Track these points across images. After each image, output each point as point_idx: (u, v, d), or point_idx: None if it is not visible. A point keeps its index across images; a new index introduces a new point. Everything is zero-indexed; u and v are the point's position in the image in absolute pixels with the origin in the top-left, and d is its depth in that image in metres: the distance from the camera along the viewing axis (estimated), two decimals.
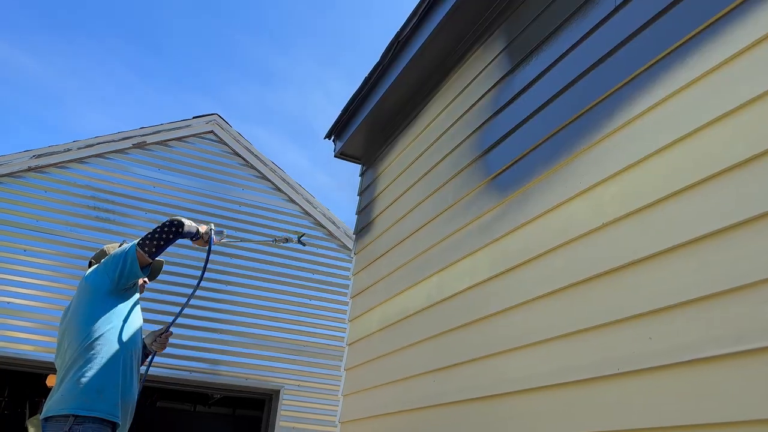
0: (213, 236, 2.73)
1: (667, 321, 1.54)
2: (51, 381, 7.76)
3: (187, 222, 2.59)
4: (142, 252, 2.46)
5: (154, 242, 2.48)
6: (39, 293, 6.25)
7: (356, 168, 4.25)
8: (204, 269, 2.81)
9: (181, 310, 2.74)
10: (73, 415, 2.22)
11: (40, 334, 6.16)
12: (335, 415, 3.58)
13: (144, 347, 2.82)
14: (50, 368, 6.24)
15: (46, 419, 2.26)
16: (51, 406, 2.28)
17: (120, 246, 2.70)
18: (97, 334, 2.37)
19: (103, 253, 2.71)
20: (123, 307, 2.49)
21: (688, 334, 1.46)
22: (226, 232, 2.84)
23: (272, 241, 3.03)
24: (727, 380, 1.34)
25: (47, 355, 6.09)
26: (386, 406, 2.89)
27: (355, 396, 3.30)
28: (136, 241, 2.50)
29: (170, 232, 2.51)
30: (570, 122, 2.06)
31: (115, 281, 2.45)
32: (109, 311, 2.43)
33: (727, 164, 1.47)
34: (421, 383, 2.62)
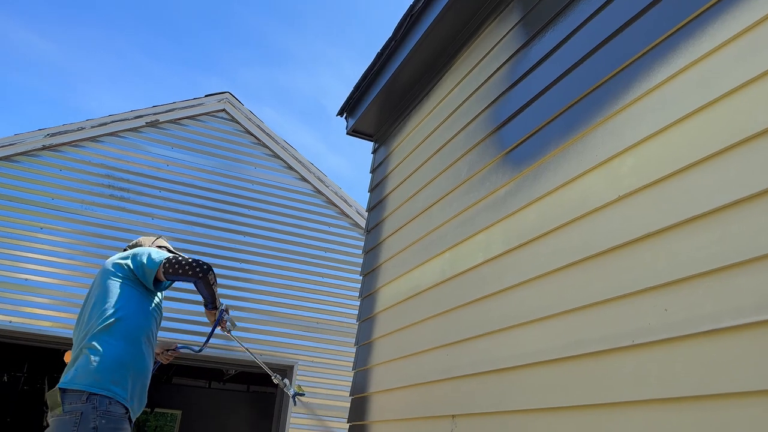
0: (224, 316, 2.73)
1: (684, 293, 1.53)
2: (68, 357, 7.91)
3: (214, 281, 2.60)
4: (163, 269, 2.49)
5: (179, 269, 2.50)
6: (56, 270, 6.34)
7: (369, 148, 4.24)
8: (209, 337, 2.82)
9: (198, 348, 2.83)
10: (87, 392, 2.22)
11: (57, 310, 6.26)
12: (347, 390, 3.61)
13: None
14: (68, 344, 6.35)
15: (63, 390, 2.26)
16: (66, 379, 2.29)
17: (154, 242, 2.79)
18: (115, 317, 2.39)
19: (137, 245, 2.77)
20: (143, 297, 2.52)
21: (707, 305, 1.46)
22: (236, 325, 2.87)
23: (273, 376, 3.10)
24: (747, 350, 1.34)
25: (65, 331, 6.20)
26: (399, 380, 2.92)
27: (367, 370, 3.33)
28: (166, 256, 2.53)
29: (197, 271, 2.52)
30: (586, 95, 2.04)
31: (135, 277, 2.53)
32: (129, 298, 2.47)
33: (747, 133, 1.45)
34: (434, 357, 2.64)
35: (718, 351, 1.41)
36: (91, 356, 2.28)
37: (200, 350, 2.85)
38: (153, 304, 2.56)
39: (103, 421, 2.19)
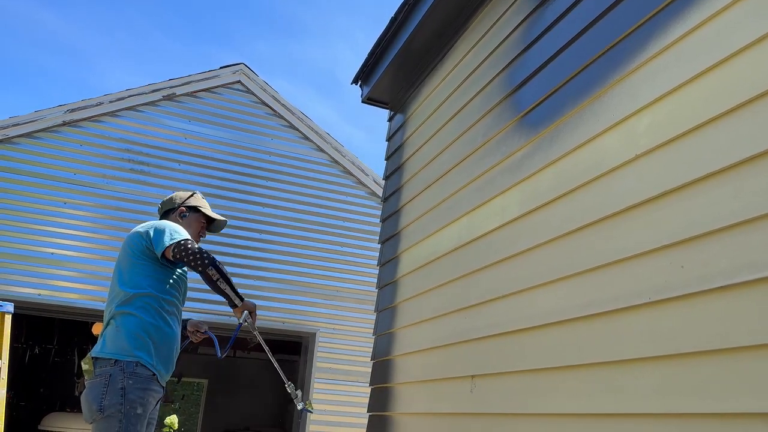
0: (247, 320, 2.64)
1: (700, 249, 1.54)
2: (96, 329, 8.12)
3: (218, 277, 2.49)
4: (171, 252, 2.49)
5: (184, 256, 2.48)
6: (81, 244, 6.48)
7: (384, 117, 4.23)
8: (230, 344, 2.79)
9: (226, 345, 2.80)
10: (114, 359, 2.36)
11: (84, 282, 6.41)
12: (367, 355, 3.69)
13: (184, 327, 2.92)
14: (95, 316, 6.53)
15: (95, 359, 2.42)
16: (97, 349, 2.44)
17: (187, 200, 2.80)
18: (133, 292, 2.46)
19: (170, 201, 2.82)
20: (162, 270, 2.55)
21: (723, 261, 1.46)
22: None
23: (287, 384, 3.08)
24: (763, 303, 1.35)
25: (92, 303, 6.36)
26: (420, 343, 2.97)
27: (389, 335, 3.39)
28: (176, 240, 2.49)
29: (198, 263, 2.46)
30: (601, 54, 2.02)
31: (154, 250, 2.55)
32: (147, 272, 2.51)
33: (764, 87, 1.43)
34: (453, 320, 2.68)
35: (734, 305, 1.42)
36: (116, 327, 2.42)
37: (221, 356, 2.84)
38: (174, 275, 2.60)
39: (130, 381, 2.33)
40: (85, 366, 2.42)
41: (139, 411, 2.34)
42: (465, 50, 3.04)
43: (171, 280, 2.57)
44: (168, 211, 2.80)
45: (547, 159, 2.21)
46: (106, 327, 2.48)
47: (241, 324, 2.66)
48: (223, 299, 2.60)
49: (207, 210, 2.86)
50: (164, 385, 2.53)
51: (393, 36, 3.54)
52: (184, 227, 2.68)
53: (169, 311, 2.54)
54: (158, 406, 2.57)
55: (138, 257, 2.52)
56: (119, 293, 2.49)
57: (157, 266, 2.53)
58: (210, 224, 2.91)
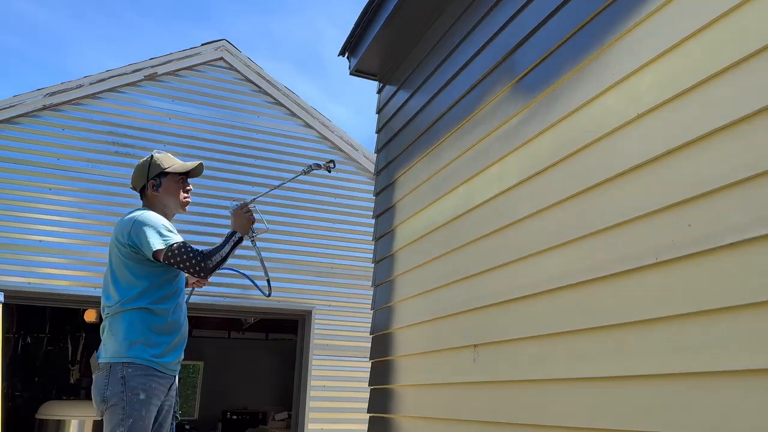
0: (252, 232, 2.61)
1: (707, 207, 1.51)
2: (89, 316, 8.06)
3: (219, 261, 2.45)
4: (163, 257, 2.40)
5: (179, 262, 2.40)
6: (68, 230, 6.37)
7: (370, 92, 4.15)
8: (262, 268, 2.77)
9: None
10: (108, 363, 2.38)
11: (74, 269, 6.32)
12: (367, 330, 3.67)
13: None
14: (86, 302, 6.47)
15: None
16: (99, 355, 2.47)
17: (149, 175, 2.60)
18: (122, 307, 2.42)
19: (137, 178, 2.64)
20: (151, 270, 2.46)
21: (731, 218, 1.44)
22: (234, 204, 2.70)
23: (303, 172, 2.96)
24: None
25: (83, 289, 6.28)
26: (420, 315, 2.95)
27: (387, 308, 3.37)
28: (163, 246, 2.38)
29: (196, 270, 2.41)
30: (599, 12, 1.96)
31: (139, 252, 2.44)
32: (135, 279, 2.44)
33: None
34: (454, 290, 2.66)
35: (746, 262, 1.40)
36: (111, 332, 2.43)
37: (269, 294, 2.80)
38: (166, 273, 2.49)
39: (129, 369, 2.34)
40: (92, 364, 2.50)
41: (142, 396, 2.33)
42: (456, 14, 2.96)
43: (162, 278, 2.48)
44: (143, 189, 2.64)
45: (545, 123, 2.17)
46: (103, 332, 2.49)
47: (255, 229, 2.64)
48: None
49: (175, 166, 2.66)
50: (174, 372, 2.51)
51: (380, 3, 3.45)
52: (164, 197, 2.59)
53: (167, 297, 2.48)
54: (173, 392, 2.55)
55: (126, 257, 2.45)
56: (113, 294, 2.45)
57: (144, 267, 2.45)
58: (187, 176, 2.73)
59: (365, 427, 3.44)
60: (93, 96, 6.70)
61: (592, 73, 1.97)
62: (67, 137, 6.56)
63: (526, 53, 2.35)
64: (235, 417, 11.74)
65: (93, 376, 2.47)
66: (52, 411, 7.40)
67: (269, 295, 2.82)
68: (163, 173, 2.62)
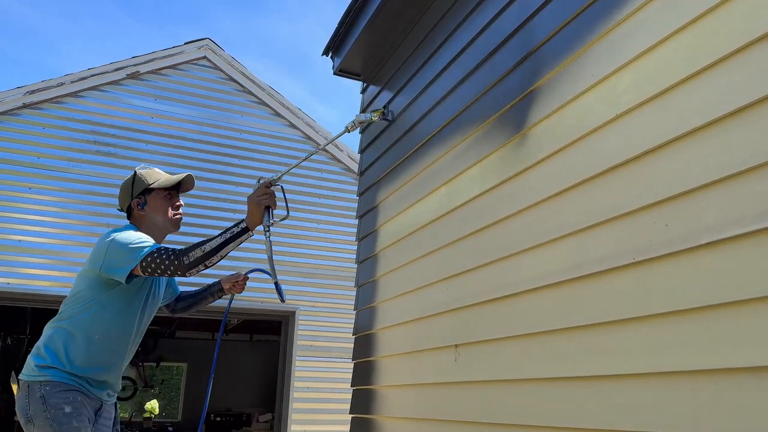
0: (269, 219, 2.28)
1: (684, 206, 1.52)
2: None
3: (219, 242, 2.21)
4: (140, 269, 2.21)
5: (156, 268, 2.20)
6: (49, 230, 6.30)
7: (355, 92, 4.14)
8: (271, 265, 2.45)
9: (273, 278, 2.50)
10: (26, 382, 2.23)
11: (54, 269, 6.25)
12: (350, 331, 3.66)
13: (220, 290, 2.78)
14: None
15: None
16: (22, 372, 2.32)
17: (133, 193, 2.44)
18: (76, 312, 2.29)
19: (123, 198, 2.50)
20: (113, 308, 2.31)
21: (709, 217, 1.45)
22: (262, 181, 2.39)
23: (349, 127, 2.53)
24: (751, 258, 1.33)
25: (64, 290, 6.20)
26: (402, 315, 2.94)
27: (370, 309, 3.36)
28: (136, 260, 2.18)
29: (175, 267, 2.18)
30: (579, 13, 1.97)
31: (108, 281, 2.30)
32: (88, 316, 2.29)
33: (748, 38, 1.40)
34: (436, 290, 2.65)
35: (722, 261, 1.40)
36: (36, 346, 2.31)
37: (284, 300, 2.58)
38: (131, 311, 2.34)
39: (47, 387, 2.18)
40: (12, 383, 2.39)
41: (68, 410, 2.15)
42: (438, 15, 2.97)
43: (120, 303, 2.32)
44: (129, 207, 2.49)
45: (526, 123, 2.17)
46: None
47: (268, 220, 2.29)
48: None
49: (161, 181, 2.48)
50: (104, 391, 2.31)
51: (364, 2, 3.44)
52: (151, 216, 2.44)
53: (109, 329, 2.30)
54: (106, 421, 2.35)
55: (93, 278, 2.29)
56: (66, 307, 2.34)
57: (108, 289, 2.28)
58: (177, 190, 2.55)
59: (348, 428, 3.43)
60: (74, 94, 6.63)
61: (571, 73, 1.98)
62: (48, 136, 6.49)
63: (507, 54, 2.35)
64: (218, 419, 11.67)
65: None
66: None
67: (284, 301, 2.60)
68: (148, 190, 2.44)
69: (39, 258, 6.22)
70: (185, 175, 2.54)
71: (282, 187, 2.40)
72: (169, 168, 6.95)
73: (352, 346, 3.55)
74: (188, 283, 5.37)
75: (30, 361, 2.28)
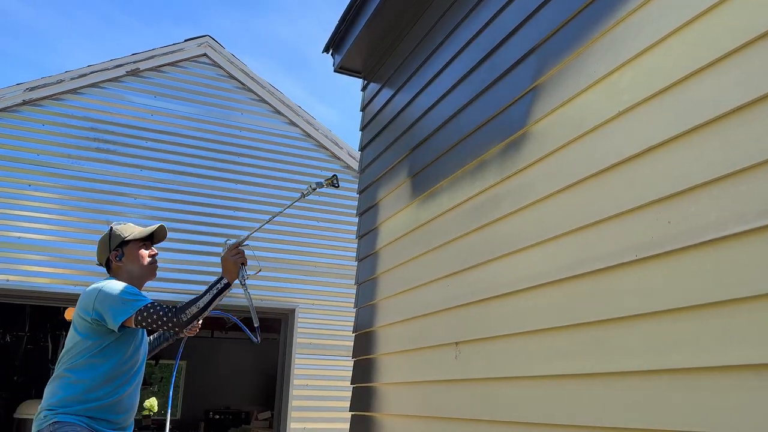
0: (243, 273, 2.51)
1: (686, 203, 1.52)
2: (69, 314, 7.95)
3: (206, 298, 2.39)
4: (135, 322, 2.34)
5: (152, 323, 2.33)
6: (48, 227, 6.29)
7: (354, 91, 4.13)
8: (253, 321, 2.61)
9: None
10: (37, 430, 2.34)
11: (53, 266, 6.24)
12: (350, 329, 3.66)
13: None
14: (67, 300, 6.38)
15: None
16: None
17: (110, 248, 2.56)
18: (73, 362, 2.37)
19: (101, 255, 2.60)
20: (109, 357, 2.40)
21: (710, 214, 1.45)
22: (230, 242, 2.60)
23: (301, 196, 2.86)
24: (753, 254, 1.33)
25: (63, 287, 6.21)
26: (403, 313, 2.94)
27: (370, 306, 3.36)
28: (131, 312, 2.31)
29: (170, 326, 2.35)
30: (581, 10, 1.97)
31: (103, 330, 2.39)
32: (86, 368, 2.37)
33: (749, 36, 1.40)
34: (437, 288, 2.65)
35: (724, 258, 1.40)
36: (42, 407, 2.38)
37: (258, 341, 2.76)
38: (123, 358, 2.43)
39: (56, 424, 2.29)
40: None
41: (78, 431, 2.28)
42: (440, 12, 2.96)
43: (114, 367, 2.41)
44: (108, 262, 2.61)
45: (527, 121, 2.17)
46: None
47: (243, 275, 2.54)
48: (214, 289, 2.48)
49: (136, 233, 2.62)
50: (114, 423, 2.40)
51: None
52: (128, 266, 2.56)
53: (111, 378, 2.40)
54: None
55: (86, 330, 2.38)
56: (61, 361, 2.40)
57: (102, 355, 2.38)
58: (150, 241, 2.69)
59: (347, 425, 3.43)
60: (74, 91, 6.61)
61: (572, 71, 1.97)
62: (47, 133, 6.47)
63: (508, 52, 2.35)
64: (217, 416, 11.67)
65: None
66: (30, 410, 7.30)
67: (258, 342, 2.76)
68: (125, 242, 2.59)
69: (38, 255, 6.21)
70: (158, 226, 2.69)
71: (249, 245, 2.66)
72: (169, 165, 6.94)
73: (351, 343, 3.55)
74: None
75: (38, 415, 2.36)
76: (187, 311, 2.37)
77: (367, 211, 3.61)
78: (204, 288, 2.50)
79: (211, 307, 2.44)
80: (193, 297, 2.44)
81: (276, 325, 8.52)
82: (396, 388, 2.97)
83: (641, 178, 1.66)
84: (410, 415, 2.77)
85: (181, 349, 3.12)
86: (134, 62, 6.87)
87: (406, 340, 2.90)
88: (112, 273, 2.59)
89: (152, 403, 17.66)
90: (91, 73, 6.68)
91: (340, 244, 7.36)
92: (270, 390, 8.78)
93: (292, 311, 7.07)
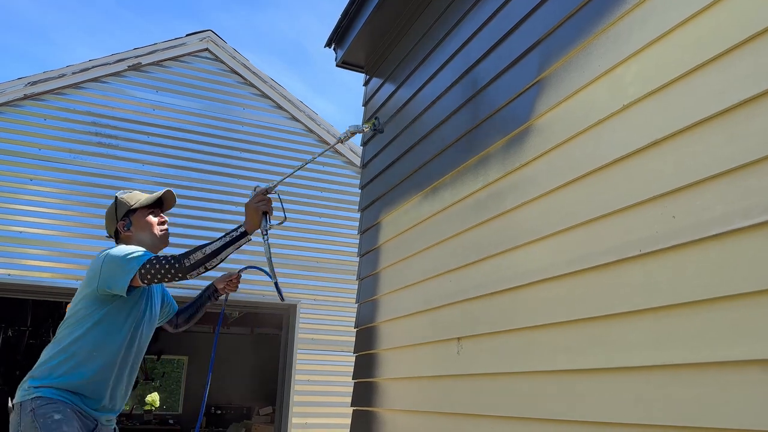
0: (266, 224, 2.31)
1: (692, 198, 1.50)
2: None
3: (218, 245, 2.22)
4: (140, 277, 2.22)
5: (156, 274, 2.20)
6: (50, 221, 6.29)
7: (356, 85, 4.12)
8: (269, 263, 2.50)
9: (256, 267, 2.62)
10: (19, 403, 2.20)
11: (55, 261, 6.25)
12: (351, 325, 3.65)
13: (215, 292, 2.78)
14: (69, 294, 6.38)
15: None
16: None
17: (117, 217, 2.47)
18: (71, 332, 2.27)
19: (109, 224, 2.51)
20: (113, 327, 2.30)
21: (715, 209, 1.43)
22: (260, 187, 2.42)
23: (338, 141, 2.58)
24: (759, 249, 1.32)
25: (65, 282, 6.21)
26: (405, 308, 2.93)
27: (372, 302, 3.35)
28: (138, 268, 2.19)
29: (174, 272, 2.20)
30: (586, 3, 1.95)
31: (108, 297, 2.29)
32: (88, 336, 2.26)
33: (758, 28, 1.38)
34: (438, 284, 2.64)
35: (729, 253, 1.39)
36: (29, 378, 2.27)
37: (283, 299, 2.61)
38: (121, 336, 2.32)
39: (38, 401, 2.17)
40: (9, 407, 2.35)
41: (57, 417, 2.13)
42: (443, 5, 2.94)
43: (116, 321, 2.31)
44: (116, 232, 2.51)
45: (531, 115, 2.15)
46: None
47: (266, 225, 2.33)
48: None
49: (143, 200, 2.52)
50: (99, 410, 2.28)
51: None
52: (138, 235, 2.47)
53: (109, 353, 2.29)
54: (109, 428, 2.34)
55: (89, 297, 2.28)
56: (59, 329, 2.32)
57: (103, 309, 2.28)
58: (159, 208, 2.58)
59: (348, 421, 3.42)
60: (75, 86, 6.61)
61: (577, 64, 1.96)
62: (49, 127, 6.47)
63: (512, 45, 2.33)
64: (219, 411, 11.69)
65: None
66: None
67: (283, 300, 2.63)
68: (131, 210, 2.49)
69: (40, 249, 6.21)
70: (165, 191, 2.58)
71: (279, 195, 2.47)
72: (171, 160, 6.93)
73: (353, 339, 3.55)
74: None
75: (23, 383, 2.26)
76: (191, 256, 2.21)
77: (369, 206, 3.60)
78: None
79: (221, 256, 2.25)
80: (204, 247, 2.25)
81: (279, 321, 8.53)
82: (397, 383, 2.96)
83: (646, 173, 1.65)
84: (411, 411, 2.77)
85: (220, 320, 2.89)
86: (136, 57, 6.86)
87: (408, 335, 2.89)
88: (121, 243, 2.48)
89: (154, 398, 17.71)
90: (93, 67, 6.67)
91: (342, 240, 7.35)
92: (272, 385, 8.79)
93: (294, 307, 7.08)
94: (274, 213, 2.44)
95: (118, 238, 2.51)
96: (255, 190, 2.44)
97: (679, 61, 1.59)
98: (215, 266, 2.27)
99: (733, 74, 1.44)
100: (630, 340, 1.62)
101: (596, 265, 1.77)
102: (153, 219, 2.52)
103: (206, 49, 7.20)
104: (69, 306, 2.39)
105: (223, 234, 2.31)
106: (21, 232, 6.17)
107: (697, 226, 1.47)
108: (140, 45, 6.98)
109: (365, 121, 2.50)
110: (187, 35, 7.15)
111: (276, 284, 2.49)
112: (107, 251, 2.32)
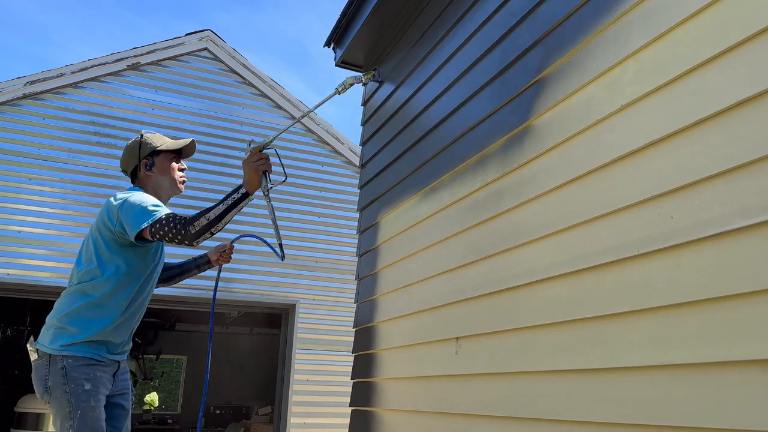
0: (267, 183, 2.29)
1: (690, 198, 1.50)
2: None
3: (221, 207, 2.19)
4: (149, 233, 2.22)
5: (165, 235, 2.19)
6: (49, 221, 6.29)
7: (356, 88, 4.10)
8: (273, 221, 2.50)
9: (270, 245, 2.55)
10: (48, 354, 2.26)
11: (53, 260, 6.24)
12: (350, 325, 3.65)
13: (207, 263, 2.77)
14: None
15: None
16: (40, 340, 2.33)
17: (141, 154, 2.45)
18: (93, 276, 2.31)
19: (128, 161, 2.49)
20: (127, 262, 2.33)
21: (713, 209, 1.43)
22: (254, 144, 2.41)
23: (335, 93, 2.55)
24: (757, 249, 1.32)
25: (64, 281, 6.18)
26: (403, 308, 2.93)
27: (371, 302, 3.35)
28: (150, 220, 2.19)
29: (179, 238, 2.18)
30: (585, 2, 1.95)
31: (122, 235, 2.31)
32: (105, 271, 2.30)
33: (756, 28, 1.38)
34: (437, 283, 2.64)
35: (727, 253, 1.39)
36: (52, 314, 2.32)
37: (283, 258, 2.54)
38: (142, 256, 2.36)
39: (69, 360, 2.22)
40: (30, 347, 2.35)
41: (88, 387, 2.20)
42: (442, 5, 2.94)
43: (135, 262, 2.35)
44: (134, 170, 2.50)
45: (530, 114, 2.15)
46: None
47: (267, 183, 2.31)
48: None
49: (168, 144, 2.51)
50: (119, 353, 2.37)
51: None
52: (158, 177, 2.47)
53: (122, 290, 2.33)
54: (123, 375, 2.42)
55: (107, 240, 2.32)
56: (73, 270, 2.37)
57: (120, 259, 2.30)
58: (180, 155, 2.58)
59: (347, 420, 3.42)
60: (75, 85, 6.61)
61: (576, 63, 1.95)
62: (48, 126, 6.47)
63: (512, 44, 2.33)
64: (218, 411, 11.69)
65: (32, 361, 2.32)
66: (31, 404, 7.31)
67: (283, 259, 2.58)
68: (156, 152, 2.47)
69: (39, 249, 6.21)
70: (190, 140, 2.58)
71: (276, 151, 2.43)
72: None
73: (352, 339, 3.54)
74: None
75: (51, 332, 2.27)
76: (196, 223, 2.17)
77: (368, 205, 3.60)
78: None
79: (225, 220, 2.21)
80: (209, 211, 2.22)
81: (277, 320, 8.53)
82: (397, 383, 2.96)
83: (644, 173, 1.65)
84: (410, 410, 2.76)
85: (216, 289, 2.84)
86: (135, 56, 6.86)
87: (407, 335, 2.89)
88: (139, 183, 2.48)
89: (153, 397, 17.71)
90: (92, 67, 6.67)
91: (341, 240, 7.36)
92: (271, 385, 8.79)
93: (293, 306, 7.08)
94: (274, 169, 2.43)
95: (135, 176, 2.51)
96: (250, 146, 2.42)
97: (678, 60, 1.59)
98: (219, 230, 2.26)
99: (732, 74, 1.44)
100: (629, 340, 1.62)
101: (595, 265, 1.76)
102: (175, 165, 2.52)
103: (205, 49, 7.20)
104: (82, 251, 2.40)
105: (224, 197, 2.27)
106: (20, 231, 6.17)
107: (695, 226, 1.47)
108: (140, 44, 6.97)
109: (365, 74, 2.51)
110: (186, 35, 7.15)
111: (280, 245, 2.46)
112: (127, 196, 2.31)
